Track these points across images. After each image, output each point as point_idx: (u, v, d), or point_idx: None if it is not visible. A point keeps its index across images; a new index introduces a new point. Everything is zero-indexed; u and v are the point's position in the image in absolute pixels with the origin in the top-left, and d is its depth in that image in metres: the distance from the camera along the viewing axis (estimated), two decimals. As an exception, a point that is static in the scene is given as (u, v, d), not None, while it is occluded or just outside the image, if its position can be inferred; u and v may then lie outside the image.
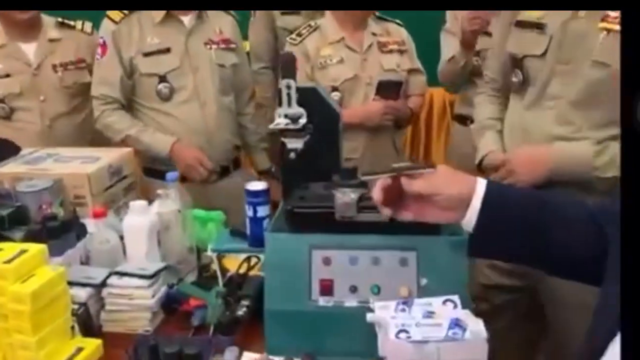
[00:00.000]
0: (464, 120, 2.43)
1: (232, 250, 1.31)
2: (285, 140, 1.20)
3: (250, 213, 1.19)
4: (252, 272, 1.38)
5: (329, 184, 1.18)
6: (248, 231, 1.21)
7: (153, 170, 2.01)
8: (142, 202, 1.39)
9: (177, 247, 1.45)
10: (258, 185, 1.18)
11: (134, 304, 1.26)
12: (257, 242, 1.20)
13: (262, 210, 1.18)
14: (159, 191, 1.47)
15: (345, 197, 1.11)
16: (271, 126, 1.18)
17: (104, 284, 1.27)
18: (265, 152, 2.30)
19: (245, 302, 1.28)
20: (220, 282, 1.37)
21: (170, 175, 1.41)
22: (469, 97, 2.23)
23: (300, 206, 1.13)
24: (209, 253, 1.33)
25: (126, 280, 1.27)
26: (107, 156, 1.70)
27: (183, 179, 1.98)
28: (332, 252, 1.11)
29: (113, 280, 1.28)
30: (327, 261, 1.11)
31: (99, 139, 2.07)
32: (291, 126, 1.17)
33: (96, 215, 1.37)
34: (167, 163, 1.96)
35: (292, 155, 1.24)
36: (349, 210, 1.10)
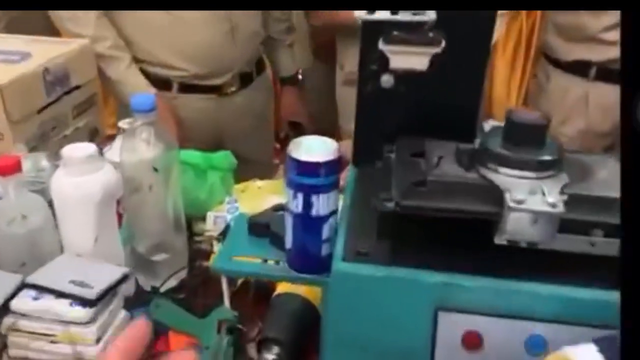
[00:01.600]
0: (571, 66, 1.46)
1: (254, 274, 0.67)
2: (390, 49, 0.53)
3: (297, 207, 0.54)
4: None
5: (472, 153, 0.54)
6: (289, 242, 0.57)
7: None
8: (86, 148, 0.75)
9: (154, 224, 0.83)
10: (316, 151, 0.53)
11: (59, 354, 0.66)
12: (306, 264, 0.57)
13: (323, 204, 0.54)
14: (122, 123, 0.83)
15: (534, 195, 0.47)
16: (359, 13, 0.51)
17: (5, 308, 0.66)
18: (291, 49, 1.58)
19: (270, 356, 0.68)
20: (227, 299, 0.76)
21: (140, 100, 0.75)
22: (573, 25, 1.43)
23: (416, 206, 0.49)
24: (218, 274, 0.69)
25: (48, 304, 0.66)
26: (45, 52, 1.02)
27: (184, 88, 1.32)
28: (487, 321, 0.49)
29: (24, 301, 0.67)
30: (472, 340, 0.49)
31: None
32: (407, 17, 0.51)
33: (4, 170, 0.73)
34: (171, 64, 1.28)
35: (388, 80, 0.58)
36: (541, 229, 0.47)
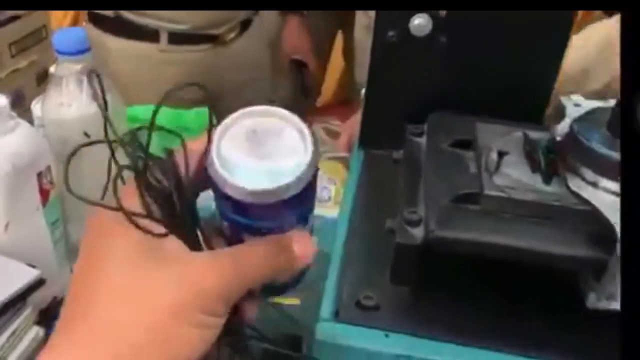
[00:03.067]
0: None
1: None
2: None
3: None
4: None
5: (551, 147, 0.34)
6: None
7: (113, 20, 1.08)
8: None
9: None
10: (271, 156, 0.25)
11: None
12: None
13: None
14: (54, 67, 0.62)
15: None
16: None
17: None
18: None
19: None
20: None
21: (63, 37, 0.54)
22: None
23: (462, 240, 0.29)
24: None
25: None
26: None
27: (175, 38, 1.09)
28: None
29: None
30: None
31: None
32: None
33: None
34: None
35: (423, 25, 0.37)
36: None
